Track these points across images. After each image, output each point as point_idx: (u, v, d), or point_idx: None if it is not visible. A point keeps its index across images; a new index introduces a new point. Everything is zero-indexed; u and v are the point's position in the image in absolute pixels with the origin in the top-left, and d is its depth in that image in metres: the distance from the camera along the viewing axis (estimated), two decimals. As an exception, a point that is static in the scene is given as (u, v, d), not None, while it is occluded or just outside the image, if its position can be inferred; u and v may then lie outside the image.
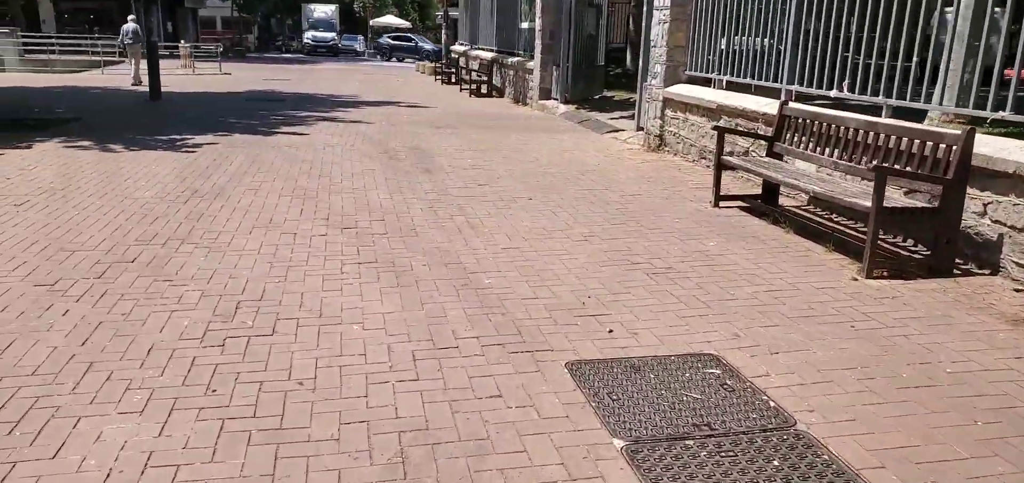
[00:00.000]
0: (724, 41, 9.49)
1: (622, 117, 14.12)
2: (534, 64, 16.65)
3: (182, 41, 34.96)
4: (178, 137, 10.66)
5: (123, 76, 23.18)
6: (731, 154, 7.56)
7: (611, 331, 4.20)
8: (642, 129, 11.50)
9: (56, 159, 8.74)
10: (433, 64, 29.31)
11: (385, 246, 5.66)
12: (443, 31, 29.98)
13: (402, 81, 25.87)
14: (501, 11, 21.16)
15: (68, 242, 5.50)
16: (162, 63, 27.80)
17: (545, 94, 16.36)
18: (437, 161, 9.44)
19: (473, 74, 21.30)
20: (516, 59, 18.68)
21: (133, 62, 21.01)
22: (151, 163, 8.66)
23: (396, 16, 62.56)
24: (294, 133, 11.50)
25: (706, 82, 9.90)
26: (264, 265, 5.13)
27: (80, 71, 28.60)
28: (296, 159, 9.23)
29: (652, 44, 10.87)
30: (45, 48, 33.88)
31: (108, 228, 5.89)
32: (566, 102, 15.62)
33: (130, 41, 21.39)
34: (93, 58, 29.39)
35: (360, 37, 58.52)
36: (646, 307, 4.58)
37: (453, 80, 25.48)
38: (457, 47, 28.63)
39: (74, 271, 4.86)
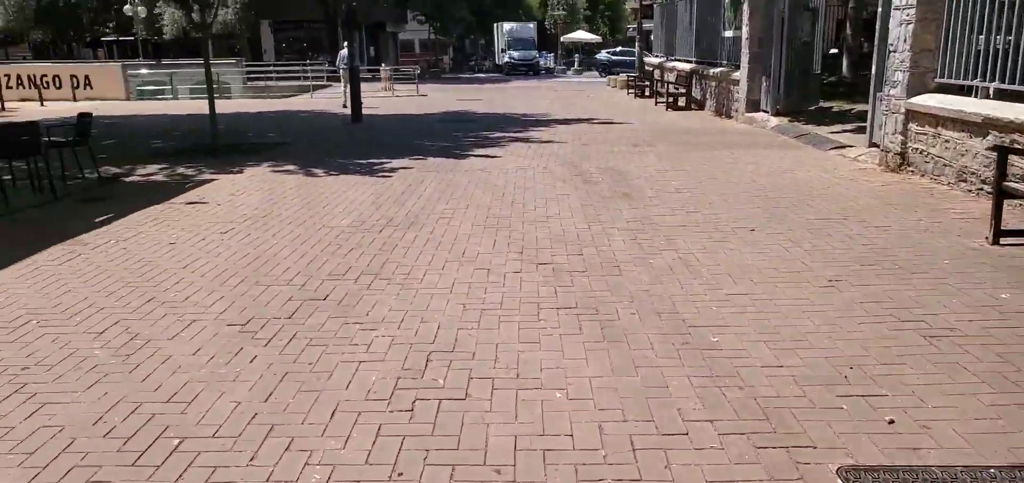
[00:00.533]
0: (982, 39, 7.85)
1: (846, 131, 12.48)
2: (740, 74, 15.34)
3: (383, 64, 36.98)
4: (375, 161, 10.74)
5: (329, 99, 24.67)
6: (1018, 179, 6.06)
7: (892, 421, 3.19)
8: (876, 146, 9.95)
9: (263, 184, 9.00)
10: (626, 78, 28.48)
11: (585, 287, 4.97)
12: (636, 44, 29.10)
13: (594, 97, 25.33)
14: (701, 20, 19.92)
15: (265, 274, 5.35)
16: (364, 86, 29.31)
17: (753, 106, 14.99)
18: (636, 184, 8.63)
19: (670, 86, 20.23)
20: (719, 69, 17.40)
21: (346, 86, 21.87)
22: (349, 188, 8.65)
23: (586, 31, 62.47)
24: (486, 155, 11.22)
25: (962, 90, 8.26)
26: (456, 307, 4.62)
27: (292, 96, 31.02)
28: (488, 184, 8.85)
29: (890, 48, 9.34)
30: (264, 75, 37.34)
31: (304, 260, 5.72)
32: (777, 114, 14.16)
33: (345, 66, 22.54)
34: (304, 83, 31.71)
35: (549, 54, 59.09)
36: (933, 386, 3.49)
37: (647, 93, 24.53)
38: (651, 59, 27.61)
39: (266, 309, 4.63)
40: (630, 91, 26.32)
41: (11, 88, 24.05)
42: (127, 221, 7.05)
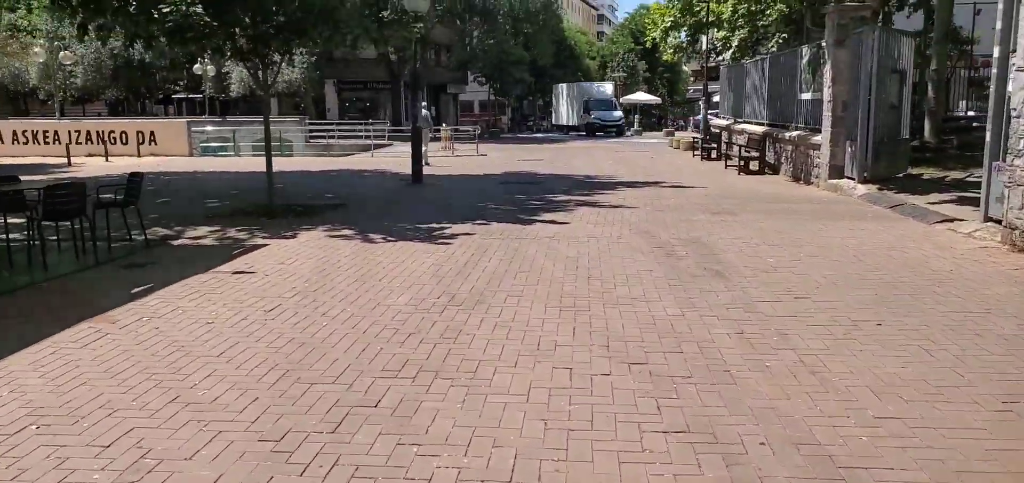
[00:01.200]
0: None
1: (946, 202, 11.31)
2: (822, 138, 14.30)
3: (443, 124, 36.94)
4: (436, 225, 10.06)
5: (389, 158, 24.42)
6: None
7: None
8: (994, 221, 8.81)
9: (316, 250, 8.36)
10: (690, 139, 27.58)
11: (694, 400, 4.05)
12: (702, 106, 28.28)
13: (658, 158, 24.47)
14: (774, 82, 19.00)
15: (309, 367, 4.59)
16: (424, 145, 28.93)
17: (836, 172, 13.90)
18: (726, 258, 7.69)
19: (740, 150, 19.24)
20: (796, 133, 16.37)
21: (425, 145, 22.38)
22: (407, 257, 7.93)
23: (646, 92, 61.97)
24: (553, 221, 10.43)
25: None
26: (536, 424, 3.75)
27: (353, 154, 31.05)
28: (558, 255, 8.02)
29: (1013, 113, 8.26)
30: (326, 134, 37.68)
31: (355, 348, 4.95)
32: (865, 182, 13.04)
33: (423, 125, 22.65)
34: (365, 142, 31.73)
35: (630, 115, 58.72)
36: None
37: (714, 156, 23.55)
38: (717, 121, 26.70)
39: (306, 418, 3.85)
40: (696, 153, 25.38)
41: (80, 144, 24.53)
42: (166, 293, 6.44)
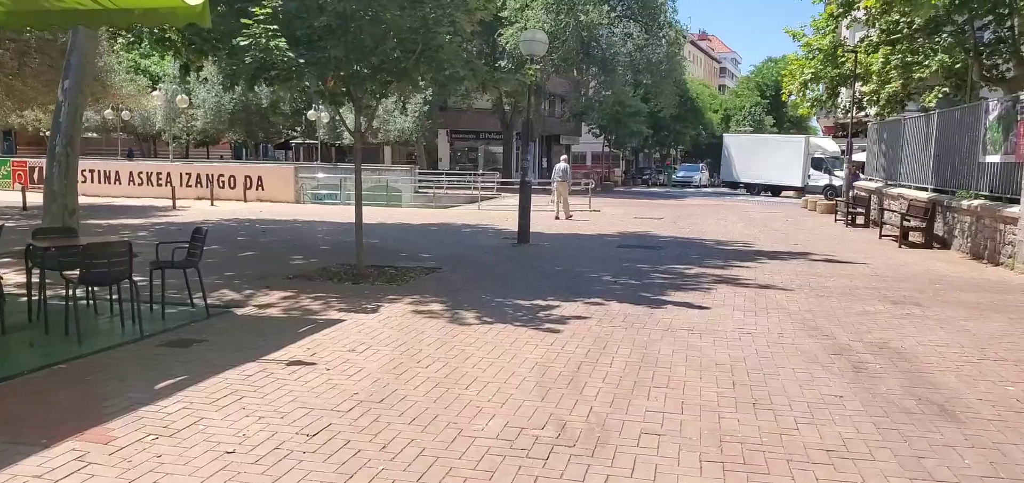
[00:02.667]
0: None
1: None
2: (1022, 211, 11.61)
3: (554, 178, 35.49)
4: (542, 302, 8.34)
5: (496, 213, 23.08)
6: None
7: None
8: None
9: (396, 333, 6.80)
10: (828, 201, 24.74)
11: None
12: (846, 166, 25.44)
13: (793, 222, 21.87)
14: (944, 140, 16.28)
15: (336, 566, 2.92)
16: (536, 198, 27.54)
17: (1040, 254, 11.20)
18: (943, 381, 5.52)
19: (900, 218, 16.53)
20: (977, 203, 13.65)
21: (559, 200, 21.89)
22: (504, 351, 6.23)
23: (769, 149, 58.43)
24: (689, 304, 8.47)
25: None
26: None
27: (460, 206, 30.06)
28: (705, 360, 6.09)
29: None
30: (435, 184, 37.07)
31: (413, 526, 3.25)
32: (1085, 268, 10.31)
33: (560, 179, 22.03)
34: (473, 193, 30.68)
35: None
36: None
37: (861, 222, 20.76)
38: (865, 183, 23.80)
39: None
40: (838, 218, 22.59)
41: (189, 186, 24.65)
42: (194, 392, 5.00)
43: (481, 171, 46.65)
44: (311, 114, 40.95)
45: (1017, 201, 12.17)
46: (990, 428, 4.59)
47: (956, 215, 14.71)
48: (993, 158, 13.50)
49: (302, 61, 8.20)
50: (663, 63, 44.42)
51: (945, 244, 15.17)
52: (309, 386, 5.18)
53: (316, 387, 5.16)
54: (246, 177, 25.70)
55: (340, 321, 7.22)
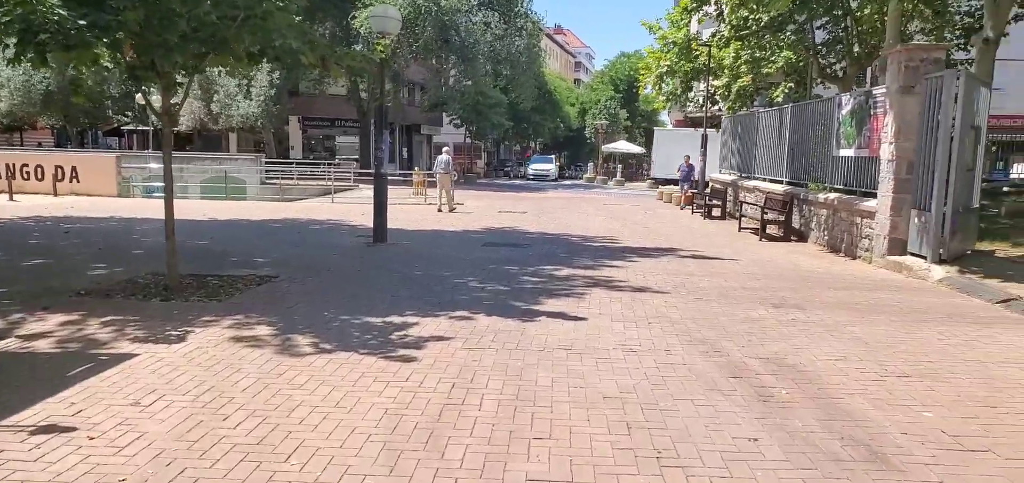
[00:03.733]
0: None
1: (1074, 296, 8.65)
2: (879, 205, 11.64)
3: (416, 167, 34.09)
4: (397, 319, 7.08)
5: (351, 206, 21.43)
6: None
7: None
8: None
9: (202, 375, 5.30)
10: (683, 194, 24.98)
11: None
12: (701, 157, 25.81)
13: (653, 214, 21.79)
14: (798, 134, 16.48)
15: None
16: (394, 190, 26.08)
17: (897, 247, 11.23)
18: (859, 410, 4.83)
19: (758, 211, 16.60)
20: (833, 196, 13.76)
21: (442, 191, 21.35)
22: (344, 394, 4.93)
23: (626, 140, 59.90)
24: (564, 314, 7.51)
25: None
26: None
27: (311, 198, 28.06)
28: (590, 393, 5.09)
29: None
30: (285, 174, 34.55)
31: None
32: (941, 261, 10.37)
33: (442, 170, 21.51)
34: (326, 184, 28.72)
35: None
36: None
37: (717, 214, 20.97)
38: (719, 176, 24.20)
39: None
40: (694, 210, 22.80)
41: (-19, 178, 21.14)
42: None
43: (337, 161, 44.33)
44: (140, 97, 37.05)
45: (873, 195, 12.26)
46: (932, 477, 3.86)
47: (812, 208, 14.85)
48: (846, 152, 13.64)
49: (83, 23, 6.41)
50: (523, 54, 44.01)
51: (802, 237, 15.32)
52: (53, 473, 3.65)
53: (64, 473, 3.64)
54: (57, 167, 22.40)
55: (131, 357, 5.60)
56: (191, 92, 37.48)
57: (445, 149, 23.15)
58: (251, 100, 37.90)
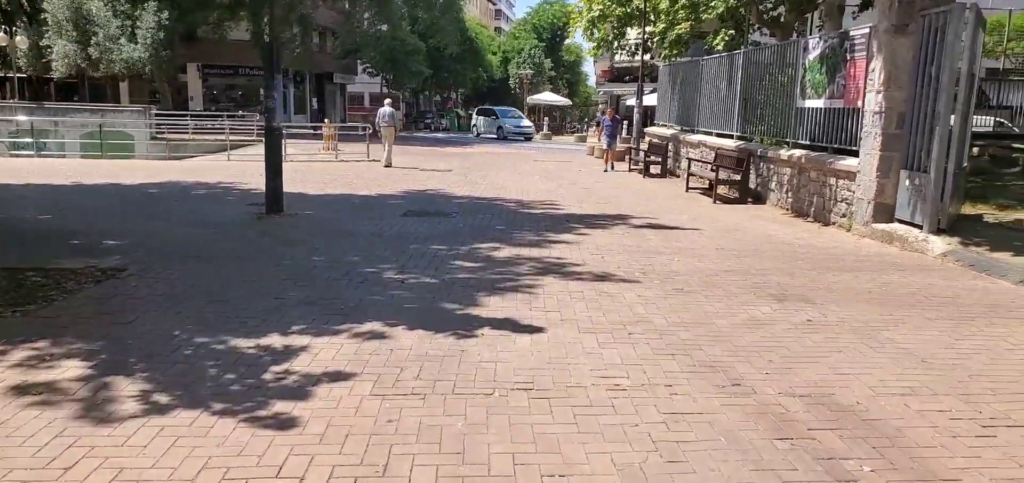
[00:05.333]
0: None
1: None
2: (862, 164, 10.13)
3: (326, 120, 31.25)
4: (278, 341, 4.97)
5: (249, 164, 18.78)
6: None
7: None
8: None
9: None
10: (609, 151, 22.95)
11: None
12: (635, 112, 24.16)
13: (590, 173, 20.04)
14: (752, 82, 14.92)
15: None
16: (303, 145, 23.39)
17: (884, 213, 9.77)
18: (909, 446, 3.12)
19: (706, 168, 15.05)
20: (798, 153, 12.25)
21: (386, 145, 20.53)
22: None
23: (551, 92, 57.96)
24: (514, 322, 5.57)
25: None
26: None
27: (205, 156, 25.09)
28: (570, 468, 3.19)
29: None
30: (181, 128, 31.10)
31: None
32: (939, 231, 8.93)
33: (386, 123, 20.66)
34: (223, 139, 25.70)
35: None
36: None
37: (655, 172, 19.44)
38: (659, 130, 22.61)
39: None
40: (631, 167, 21.17)
41: None
42: None
43: (240, 113, 40.74)
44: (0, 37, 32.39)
45: (850, 152, 10.79)
46: None
47: (772, 166, 13.34)
48: (814, 102, 12.12)
49: None
50: (440, -3, 41.28)
51: (759, 198, 13.85)
52: None
53: None
54: None
55: None
56: (65, 32, 33.05)
57: (387, 101, 22.18)
58: (136, 43, 33.88)
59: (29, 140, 27.02)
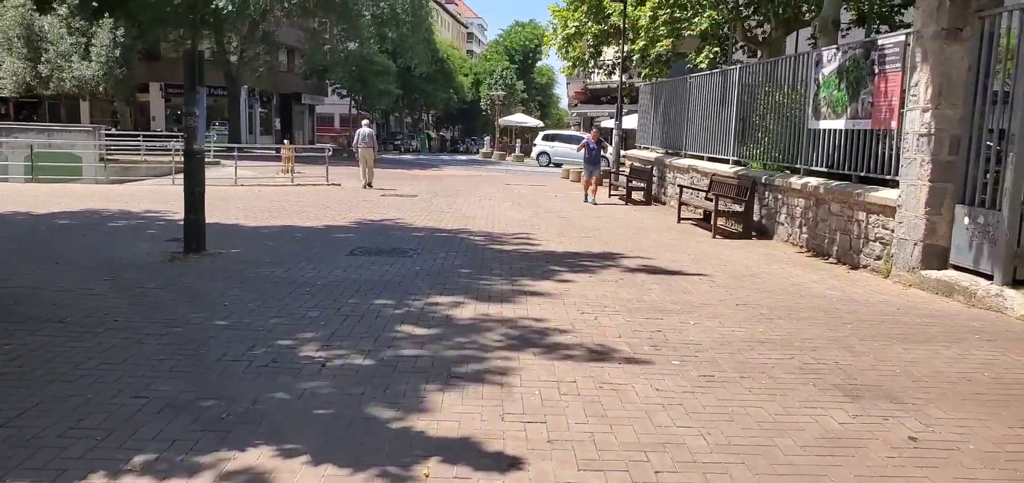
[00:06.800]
0: None
1: None
2: (904, 197, 8.41)
3: (285, 141, 29.24)
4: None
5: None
6: None
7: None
8: None
9: None
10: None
11: None
12: (614, 134, 22.51)
13: (565, 199, 18.30)
14: (752, 101, 13.27)
15: None
16: (261, 167, 21.58)
17: (936, 258, 8.04)
18: None
19: (690, 195, 13.35)
20: (813, 182, 10.56)
21: (364, 167, 19.93)
22: None
23: (523, 113, 56.41)
24: (474, 444, 3.72)
25: None
26: None
27: (151, 180, 23.00)
28: None
29: None
30: (133, 148, 28.87)
31: None
32: (1015, 282, 7.20)
33: (364, 144, 19.97)
34: (170, 162, 23.59)
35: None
36: None
37: (638, 199, 17.81)
38: (640, 153, 20.93)
39: None
40: (612, 193, 19.47)
41: None
42: None
43: (210, 133, 38.54)
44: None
45: (881, 181, 9.12)
46: None
47: (781, 196, 11.65)
48: (832, 123, 10.46)
49: None
50: (409, 15, 39.48)
51: (764, 232, 12.14)
52: None
53: None
54: None
55: None
56: (14, 50, 30.52)
57: (364, 121, 21.95)
58: (90, 61, 31.61)
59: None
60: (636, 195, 18.30)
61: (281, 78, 47.90)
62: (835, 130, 10.38)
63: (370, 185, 19.65)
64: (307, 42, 43.56)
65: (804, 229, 10.84)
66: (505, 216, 14.03)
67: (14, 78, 31.83)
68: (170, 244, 9.50)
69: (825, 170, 10.59)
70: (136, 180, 23.77)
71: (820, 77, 10.77)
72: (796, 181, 11.03)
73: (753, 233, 12.11)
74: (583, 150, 18.57)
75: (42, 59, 31.52)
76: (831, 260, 9.88)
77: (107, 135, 28.69)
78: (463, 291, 7.20)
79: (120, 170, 26.76)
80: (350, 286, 7.29)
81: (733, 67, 14.97)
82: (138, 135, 30.25)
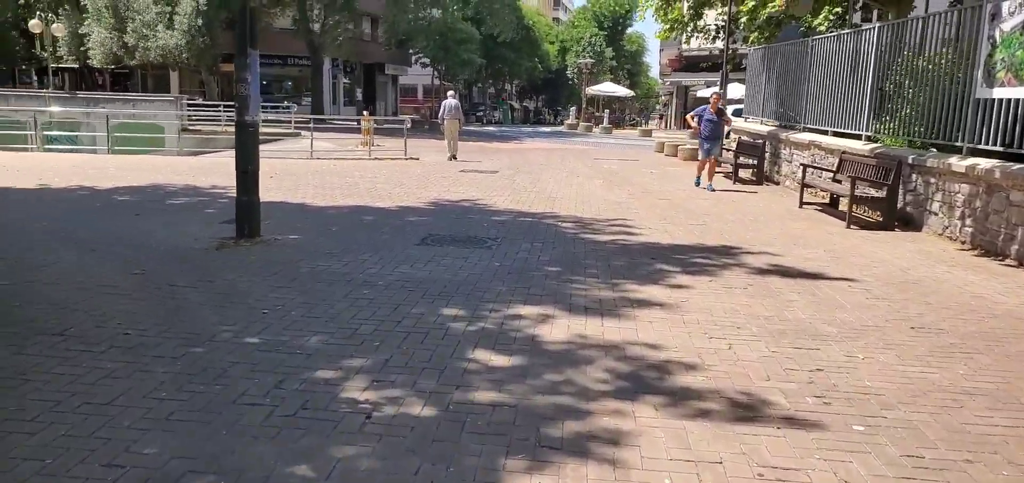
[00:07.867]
0: None
1: None
2: None
3: (365, 112, 28.50)
4: None
5: (265, 161, 15.94)
6: None
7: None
8: None
9: None
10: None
11: None
12: (722, 101, 20.51)
13: (661, 176, 16.59)
14: (890, 66, 11.20)
15: None
16: (341, 139, 20.87)
17: None
18: None
19: (814, 174, 11.44)
20: (984, 164, 8.54)
21: (449, 139, 19.30)
22: None
23: (612, 82, 54.23)
24: None
25: None
26: None
27: (225, 150, 22.61)
28: None
29: None
30: (212, 120, 28.77)
31: None
32: None
33: (450, 116, 19.35)
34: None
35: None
36: None
37: (745, 176, 15.90)
38: (749, 126, 18.89)
39: None
40: (716, 171, 17.54)
41: None
42: None
43: (286, 103, 38.54)
44: (33, 24, 30.57)
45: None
46: None
47: (936, 180, 9.66)
48: (1015, 92, 8.42)
49: None
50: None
51: (909, 222, 10.19)
52: None
53: None
54: None
55: None
56: (103, 20, 30.90)
57: (450, 93, 21.01)
58: (172, 30, 31.72)
59: (58, 134, 24.99)
60: (744, 173, 16.39)
61: (364, 48, 47.38)
62: (1019, 100, 8.34)
63: (454, 157, 19.02)
64: (387, 7, 42.75)
65: (968, 221, 8.87)
66: (596, 196, 12.51)
67: (102, 47, 32.28)
68: (223, 228, 8.48)
69: (1000, 149, 8.56)
70: (213, 152, 23.46)
71: (996, 34, 8.72)
72: (958, 162, 9.03)
73: (896, 224, 10.17)
74: (697, 121, 15.15)
75: (128, 28, 31.82)
76: (1009, 262, 7.94)
77: (189, 105, 28.68)
78: (552, 299, 5.79)
79: (199, 141, 26.67)
80: (416, 288, 6.00)
81: (868, 27, 12.85)
82: (219, 106, 30.19)
